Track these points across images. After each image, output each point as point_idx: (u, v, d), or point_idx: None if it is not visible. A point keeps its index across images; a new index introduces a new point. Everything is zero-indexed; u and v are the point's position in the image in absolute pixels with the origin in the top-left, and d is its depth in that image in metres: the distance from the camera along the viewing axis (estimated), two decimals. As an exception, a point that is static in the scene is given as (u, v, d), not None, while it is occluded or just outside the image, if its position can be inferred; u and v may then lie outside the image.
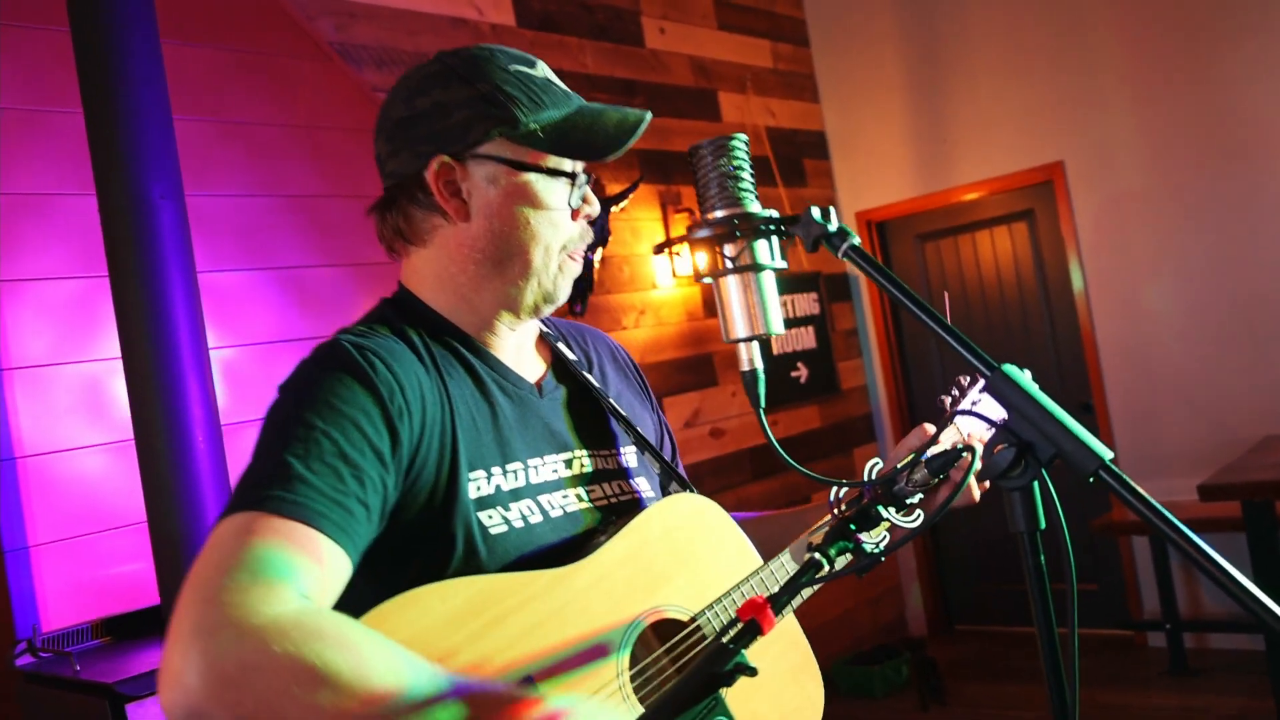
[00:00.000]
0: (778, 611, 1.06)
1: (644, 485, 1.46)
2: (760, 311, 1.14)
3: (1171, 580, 5.03)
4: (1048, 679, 0.99)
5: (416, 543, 1.21)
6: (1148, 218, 5.29)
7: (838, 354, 6.07)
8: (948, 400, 1.54)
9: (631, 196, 4.69)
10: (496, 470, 1.28)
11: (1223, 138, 5.06)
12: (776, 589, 1.37)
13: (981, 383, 1.43)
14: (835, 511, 1.26)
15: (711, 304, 4.96)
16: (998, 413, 1.00)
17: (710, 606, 1.34)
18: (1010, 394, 0.99)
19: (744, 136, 1.15)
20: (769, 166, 5.78)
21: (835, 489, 1.27)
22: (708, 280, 1.16)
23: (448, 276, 1.34)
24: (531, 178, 1.30)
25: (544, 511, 1.31)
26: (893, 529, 1.26)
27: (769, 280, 1.15)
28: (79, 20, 2.78)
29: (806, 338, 5.84)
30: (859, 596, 5.84)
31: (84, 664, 2.72)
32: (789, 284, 5.77)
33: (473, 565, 1.22)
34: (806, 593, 1.42)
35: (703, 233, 1.13)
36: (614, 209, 4.61)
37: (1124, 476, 0.93)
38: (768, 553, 1.44)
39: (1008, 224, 5.89)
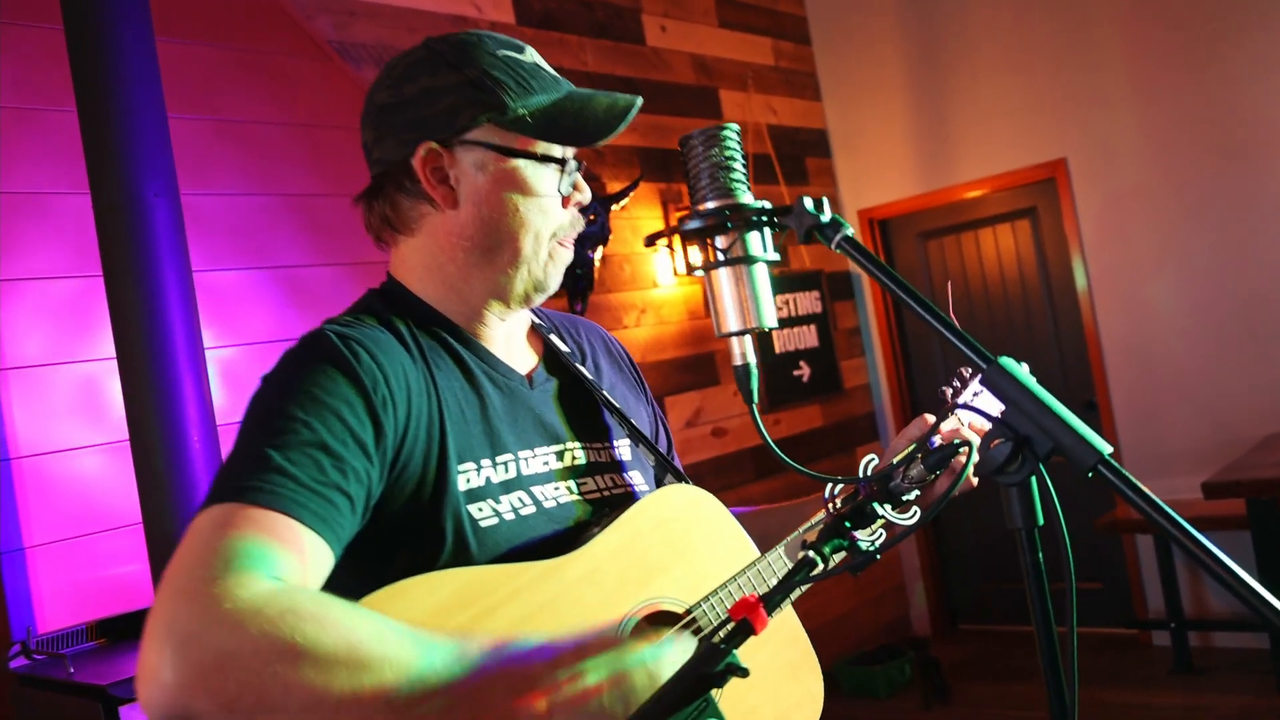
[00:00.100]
0: (771, 611, 1.04)
1: (638, 478, 1.44)
2: (753, 305, 1.12)
3: (1176, 579, 5.01)
4: (1046, 678, 0.97)
5: (404, 535, 1.19)
6: (1151, 215, 5.27)
7: (840, 352, 6.05)
8: (949, 391, 1.52)
9: (632, 195, 4.68)
10: (486, 462, 1.26)
11: (1225, 135, 5.03)
12: (771, 584, 1.35)
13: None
14: (830, 509, 1.23)
15: (713, 302, 4.93)
16: (995, 407, 0.98)
17: (706, 599, 1.32)
18: (1007, 387, 0.96)
19: (735, 126, 1.13)
20: (771, 164, 5.76)
21: (830, 486, 1.25)
22: (699, 273, 1.14)
23: (436, 265, 1.32)
24: (520, 164, 1.28)
25: (536, 503, 1.29)
26: (888, 526, 1.24)
27: (762, 273, 1.13)
28: (73, 19, 2.77)
29: (809, 336, 5.81)
30: (862, 596, 5.82)
31: (78, 666, 2.70)
32: (791, 282, 5.75)
33: (462, 558, 1.20)
34: (802, 590, 1.40)
35: (694, 224, 1.11)
36: (614, 207, 4.60)
37: (1124, 471, 0.91)
38: (765, 546, 1.42)
39: (1010, 222, 5.86)
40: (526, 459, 1.31)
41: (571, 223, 1.34)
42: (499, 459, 1.28)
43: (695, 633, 1.29)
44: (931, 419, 1.47)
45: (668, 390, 4.85)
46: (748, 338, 1.15)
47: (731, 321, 1.12)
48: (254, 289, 3.59)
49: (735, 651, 1.01)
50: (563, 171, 1.31)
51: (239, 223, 3.59)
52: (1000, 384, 0.97)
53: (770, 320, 1.12)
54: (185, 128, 3.40)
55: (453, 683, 0.95)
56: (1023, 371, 0.98)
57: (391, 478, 1.18)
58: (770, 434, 4.77)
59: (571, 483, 1.35)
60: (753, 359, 1.15)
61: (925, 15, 5.87)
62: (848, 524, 1.16)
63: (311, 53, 3.86)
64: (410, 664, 0.95)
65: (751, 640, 1.01)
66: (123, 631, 2.99)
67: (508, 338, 1.39)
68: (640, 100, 1.31)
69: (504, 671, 0.97)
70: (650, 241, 1.15)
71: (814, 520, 1.44)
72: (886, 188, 6.12)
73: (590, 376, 1.46)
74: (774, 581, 1.37)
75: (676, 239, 1.17)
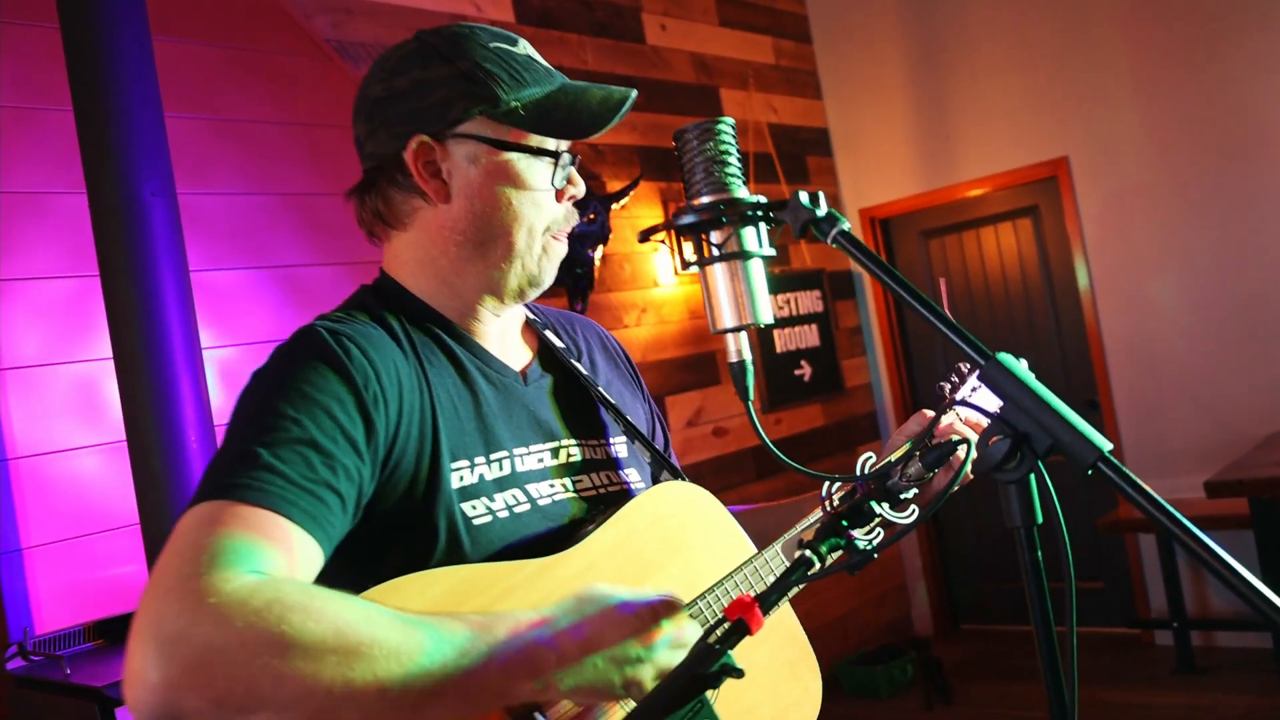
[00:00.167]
0: (766, 610, 1.02)
1: (634, 476, 1.43)
2: (748, 300, 1.10)
3: (1179, 578, 4.99)
4: (1045, 678, 0.96)
5: (396, 533, 1.18)
6: (1153, 214, 5.25)
7: (842, 352, 6.03)
8: (946, 387, 1.51)
9: (632, 194, 4.67)
10: (480, 460, 1.25)
11: (1227, 133, 5.02)
12: (768, 582, 1.34)
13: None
14: (827, 507, 1.22)
15: (713, 302, 4.92)
16: (994, 403, 0.97)
17: (702, 596, 1.30)
18: (1005, 383, 0.95)
19: (730, 120, 1.12)
20: (771, 163, 5.75)
21: (828, 484, 1.23)
22: (694, 269, 1.12)
23: (429, 260, 1.31)
24: (513, 157, 1.26)
25: (531, 500, 1.27)
26: (886, 525, 1.22)
27: (757, 268, 1.11)
28: (68, 18, 2.76)
29: (810, 335, 5.80)
30: (863, 596, 5.80)
31: (74, 667, 2.69)
32: (793, 281, 5.74)
33: (456, 556, 1.18)
34: (798, 589, 1.38)
35: (688, 219, 1.10)
36: (615, 206, 4.59)
37: (1123, 469, 0.89)
38: (762, 544, 1.41)
39: (1012, 220, 5.84)
40: (521, 456, 1.30)
41: (565, 216, 1.33)
42: (493, 456, 1.26)
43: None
44: (930, 414, 1.45)
45: (668, 390, 4.83)
46: (743, 334, 1.13)
47: (727, 317, 1.11)
48: (253, 288, 3.58)
49: (730, 652, 0.99)
50: (556, 165, 1.29)
51: (238, 222, 3.58)
52: (998, 380, 0.95)
53: (766, 316, 1.11)
54: (183, 127, 3.39)
55: (443, 665, 0.95)
56: (1021, 367, 0.97)
57: (383, 476, 1.17)
58: (771, 434, 4.73)
59: (567, 480, 1.33)
60: (748, 355, 1.14)
61: (926, 13, 5.85)
62: (845, 523, 1.14)
63: (310, 51, 3.85)
64: (400, 646, 0.94)
65: (748, 639, 1.00)
66: (120, 632, 2.98)
67: (502, 333, 1.38)
68: (635, 93, 1.30)
69: (495, 652, 0.98)
70: (644, 237, 1.14)
71: (811, 519, 1.43)
72: (888, 187, 6.10)
73: (586, 373, 1.44)
74: (770, 579, 1.36)
75: (671, 234, 1.15)
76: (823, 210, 1.05)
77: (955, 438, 1.13)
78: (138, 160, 2.73)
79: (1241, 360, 5.05)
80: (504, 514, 1.24)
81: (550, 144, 1.29)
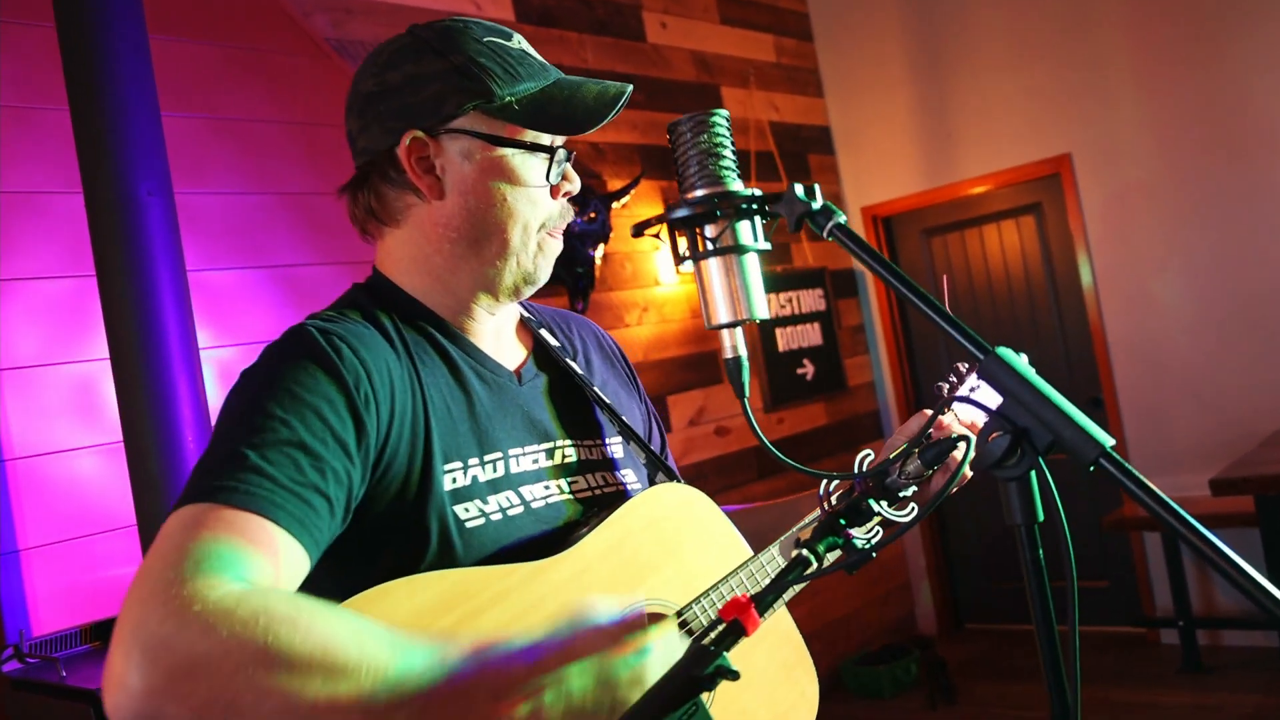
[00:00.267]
0: (763, 611, 1.00)
1: (630, 477, 1.41)
2: (743, 295, 1.08)
3: (1184, 577, 4.96)
4: (1047, 678, 0.94)
5: (387, 535, 1.16)
6: (1155, 211, 5.23)
7: (844, 350, 6.01)
8: (945, 387, 1.49)
9: (633, 192, 4.65)
10: (474, 461, 1.23)
11: (1230, 130, 4.99)
12: (765, 585, 1.32)
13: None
14: (825, 506, 1.20)
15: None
16: (994, 400, 0.94)
17: (697, 600, 1.29)
18: (1004, 378, 0.93)
19: (725, 112, 1.10)
20: (773, 161, 5.73)
21: (825, 482, 1.21)
22: (688, 264, 1.10)
23: (422, 257, 1.29)
24: (508, 153, 1.25)
25: (525, 502, 1.25)
26: (885, 523, 1.20)
27: (752, 262, 1.09)
28: (64, 17, 2.74)
29: (813, 334, 5.78)
30: (867, 595, 5.78)
31: (70, 670, 2.67)
32: (795, 280, 5.72)
33: (447, 559, 1.16)
34: (795, 590, 1.36)
35: (682, 212, 1.08)
36: (616, 205, 4.57)
37: (1126, 465, 0.87)
38: (759, 545, 1.39)
39: (1015, 218, 5.82)
40: (516, 457, 1.28)
41: (561, 213, 1.31)
42: (487, 458, 1.24)
43: (689, 633, 1.25)
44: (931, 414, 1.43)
45: (670, 389, 4.81)
46: (739, 329, 1.11)
47: (721, 313, 1.09)
48: (251, 288, 3.56)
49: (726, 653, 0.97)
50: (551, 160, 1.28)
51: (236, 221, 3.57)
52: (997, 375, 0.93)
53: (761, 311, 1.09)
54: (181, 126, 3.38)
55: (431, 687, 0.92)
56: (1021, 362, 0.94)
57: (374, 478, 1.15)
58: (774, 433, 4.70)
59: (562, 481, 1.32)
60: (743, 351, 1.11)
61: (928, 10, 5.83)
62: (842, 521, 1.12)
63: (308, 50, 3.84)
64: (387, 667, 0.92)
65: (745, 641, 0.98)
66: (118, 634, 2.96)
67: (496, 332, 1.36)
68: (630, 88, 1.28)
69: (485, 675, 0.94)
70: (638, 231, 1.12)
71: (809, 518, 1.41)
72: (890, 184, 6.08)
73: (581, 372, 1.42)
74: (767, 582, 1.34)
75: (666, 228, 1.13)
76: (818, 203, 1.03)
77: (955, 434, 1.12)
78: (134, 159, 2.71)
79: (1246, 357, 5.03)
80: (497, 516, 1.22)
81: (545, 139, 1.27)
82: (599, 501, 1.34)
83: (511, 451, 1.28)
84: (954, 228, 6.02)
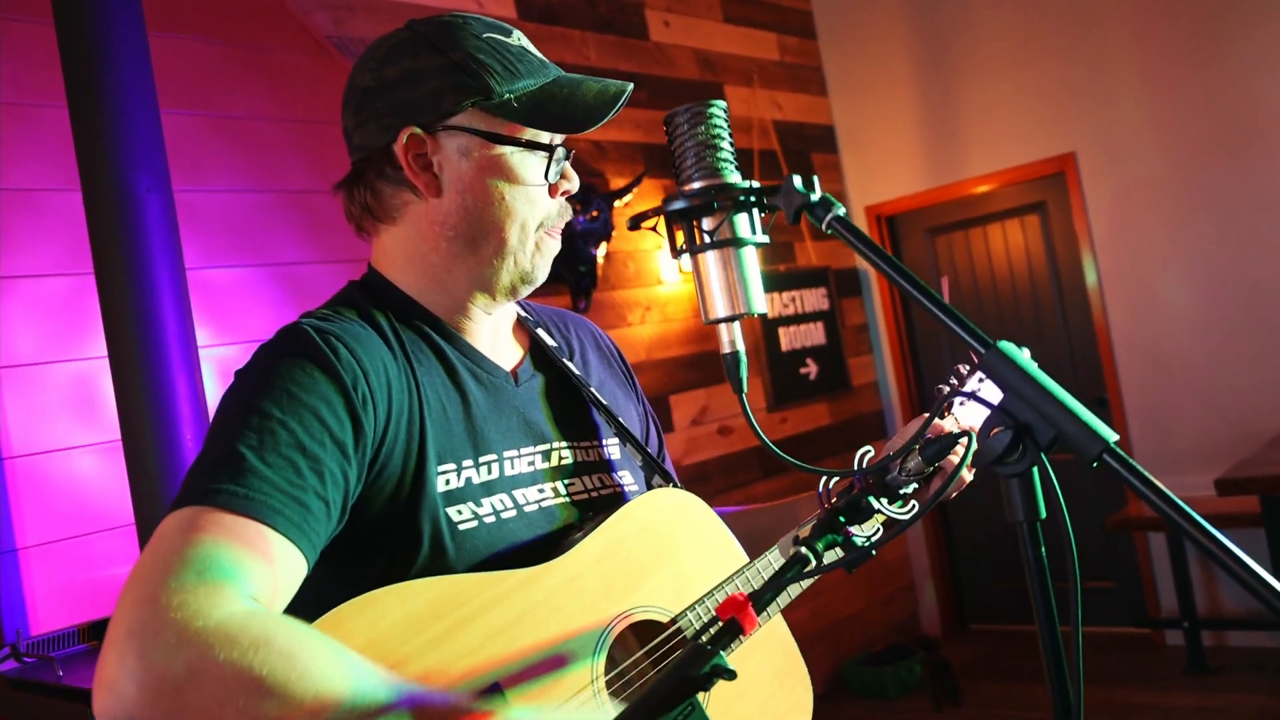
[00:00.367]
0: (760, 610, 0.99)
1: (627, 478, 1.39)
2: (741, 289, 1.06)
3: (1189, 577, 4.94)
4: (1049, 678, 0.92)
5: (381, 538, 1.14)
6: (1161, 210, 5.20)
7: (848, 350, 5.99)
8: (945, 389, 1.47)
9: (636, 191, 4.63)
10: (468, 463, 1.21)
11: (1234, 129, 4.97)
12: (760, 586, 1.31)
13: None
14: (825, 504, 1.18)
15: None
16: (996, 396, 0.93)
17: (692, 607, 1.27)
18: (1006, 372, 0.91)
19: (722, 103, 1.08)
20: (776, 160, 5.71)
21: (825, 480, 1.20)
22: (685, 258, 1.09)
23: (419, 256, 1.27)
24: (506, 151, 1.23)
25: (518, 506, 1.24)
26: (885, 521, 1.18)
27: (750, 256, 1.07)
28: (63, 14, 2.73)
29: (816, 334, 5.76)
30: (871, 595, 5.76)
31: (68, 669, 2.66)
32: (798, 279, 5.70)
33: (439, 563, 1.14)
34: (795, 590, 1.34)
35: (679, 205, 1.06)
36: (618, 203, 4.55)
37: (1130, 461, 0.85)
38: (754, 548, 1.37)
39: (1019, 217, 5.80)
40: (511, 460, 1.26)
41: (559, 212, 1.29)
42: (482, 460, 1.23)
43: (671, 650, 1.24)
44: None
45: (673, 388, 4.80)
46: (736, 325, 1.09)
47: (719, 307, 1.07)
48: (251, 286, 3.55)
49: (723, 653, 0.96)
50: (550, 159, 1.26)
51: (235, 219, 3.55)
52: (999, 369, 0.92)
53: (759, 305, 1.07)
54: (181, 123, 3.37)
55: None
56: (1024, 356, 0.93)
57: (370, 478, 1.13)
58: (777, 433, 4.68)
59: (559, 484, 1.30)
60: (741, 346, 1.10)
61: (931, 9, 5.81)
62: (842, 519, 1.11)
63: (309, 48, 3.82)
64: (366, 708, 0.92)
65: (739, 649, 0.97)
66: (116, 634, 2.95)
67: (493, 332, 1.34)
68: (631, 86, 1.27)
69: None
70: (635, 223, 1.10)
71: (808, 520, 1.39)
72: (894, 183, 6.06)
73: (578, 373, 1.41)
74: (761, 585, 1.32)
75: (663, 221, 1.11)
76: (817, 195, 1.01)
77: (956, 431, 1.10)
78: (133, 156, 2.70)
79: (1251, 357, 5.01)
80: (490, 519, 1.20)
81: (544, 138, 1.25)
82: (595, 504, 1.32)
83: (506, 454, 1.26)
84: (958, 227, 6.00)
